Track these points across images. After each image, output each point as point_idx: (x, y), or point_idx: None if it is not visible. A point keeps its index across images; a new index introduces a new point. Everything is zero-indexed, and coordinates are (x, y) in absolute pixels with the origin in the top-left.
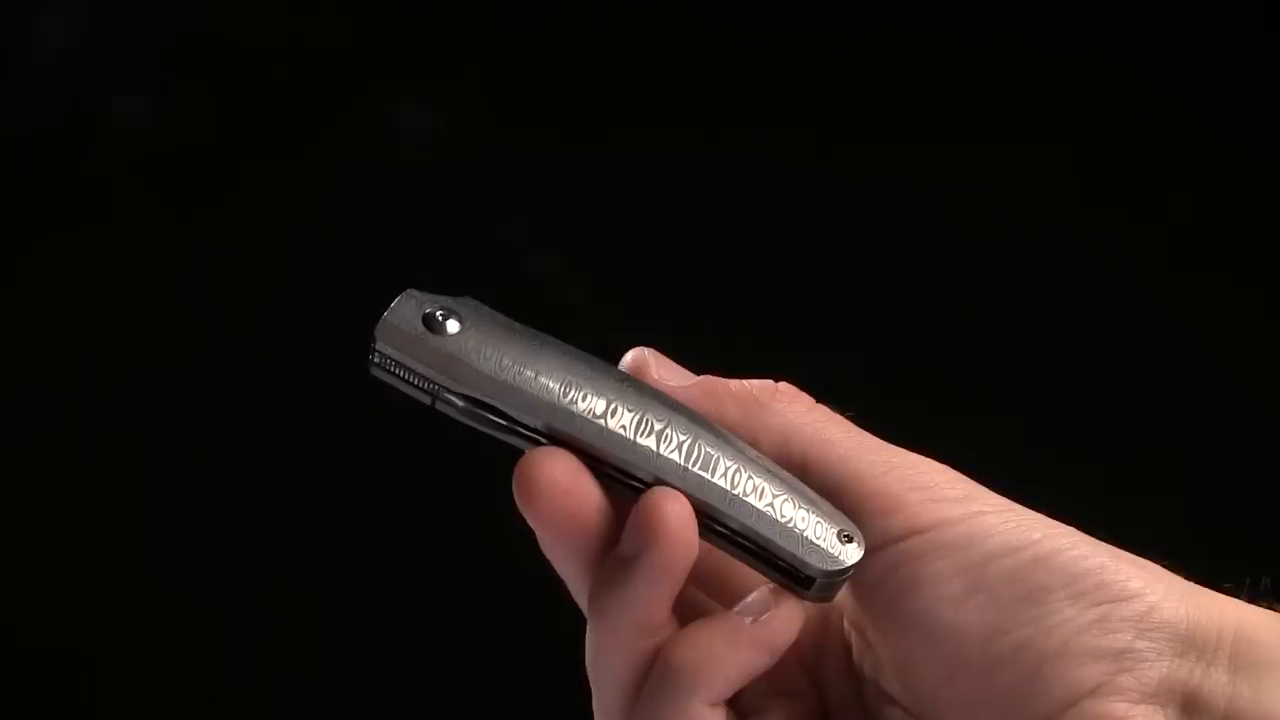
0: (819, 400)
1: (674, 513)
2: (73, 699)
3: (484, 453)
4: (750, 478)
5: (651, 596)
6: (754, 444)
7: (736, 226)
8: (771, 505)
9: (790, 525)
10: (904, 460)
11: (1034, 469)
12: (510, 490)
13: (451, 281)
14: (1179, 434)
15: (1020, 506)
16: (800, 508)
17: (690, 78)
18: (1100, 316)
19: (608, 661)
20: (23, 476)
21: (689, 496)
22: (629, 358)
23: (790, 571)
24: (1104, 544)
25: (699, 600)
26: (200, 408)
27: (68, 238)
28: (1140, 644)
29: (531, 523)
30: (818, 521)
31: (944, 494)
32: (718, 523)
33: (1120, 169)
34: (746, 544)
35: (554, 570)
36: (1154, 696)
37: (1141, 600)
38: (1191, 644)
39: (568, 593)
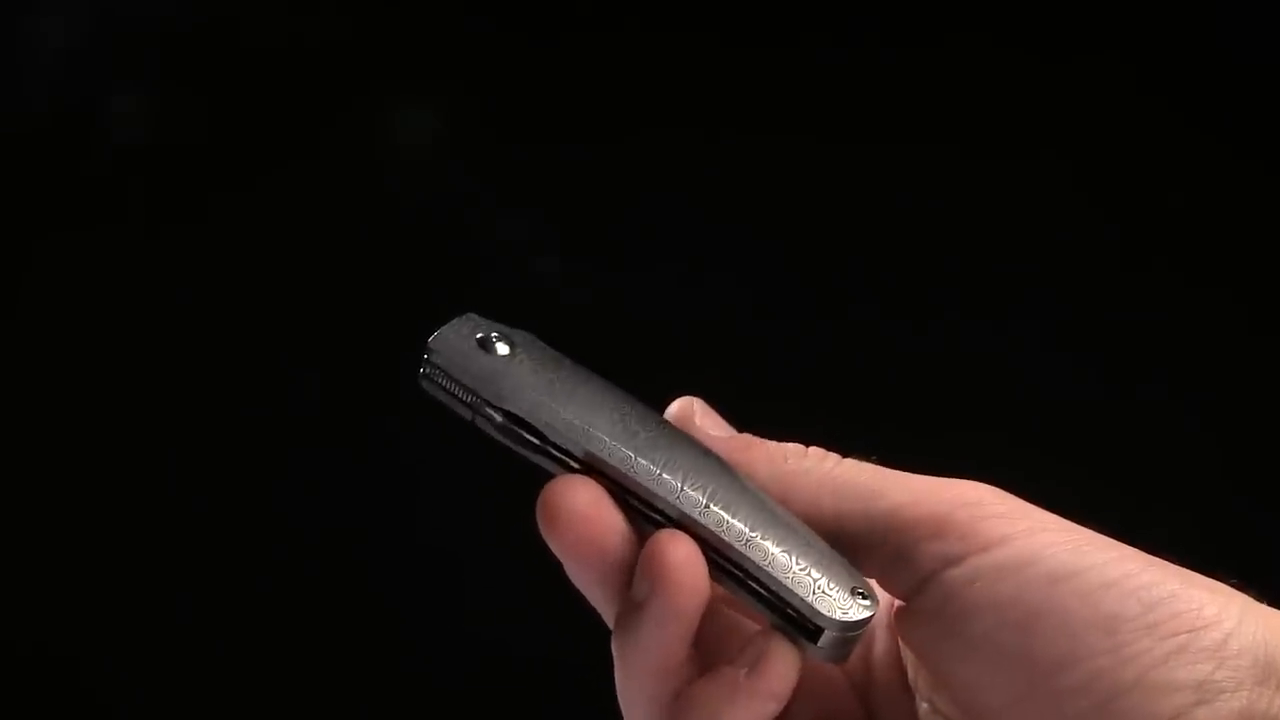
0: (842, 432)
1: (679, 555)
2: (87, 710)
3: (502, 460)
4: (771, 524)
5: (664, 639)
6: (784, 503)
7: (738, 228)
8: (788, 552)
9: (804, 572)
10: (943, 483)
11: (1035, 475)
12: (528, 496)
13: (451, 281)
14: (1182, 439)
15: (1070, 522)
16: (817, 558)
17: (691, 79)
18: (1098, 321)
19: (632, 703)
20: (25, 479)
21: (706, 532)
22: (675, 406)
23: (800, 621)
24: (1170, 565)
25: (741, 625)
26: (200, 408)
27: (66, 238)
28: (1220, 674)
29: (554, 550)
30: (833, 573)
31: (994, 510)
32: (732, 564)
33: (1117, 172)
34: (759, 588)
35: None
36: None
37: (1217, 628)
38: (1271, 671)
39: (587, 603)
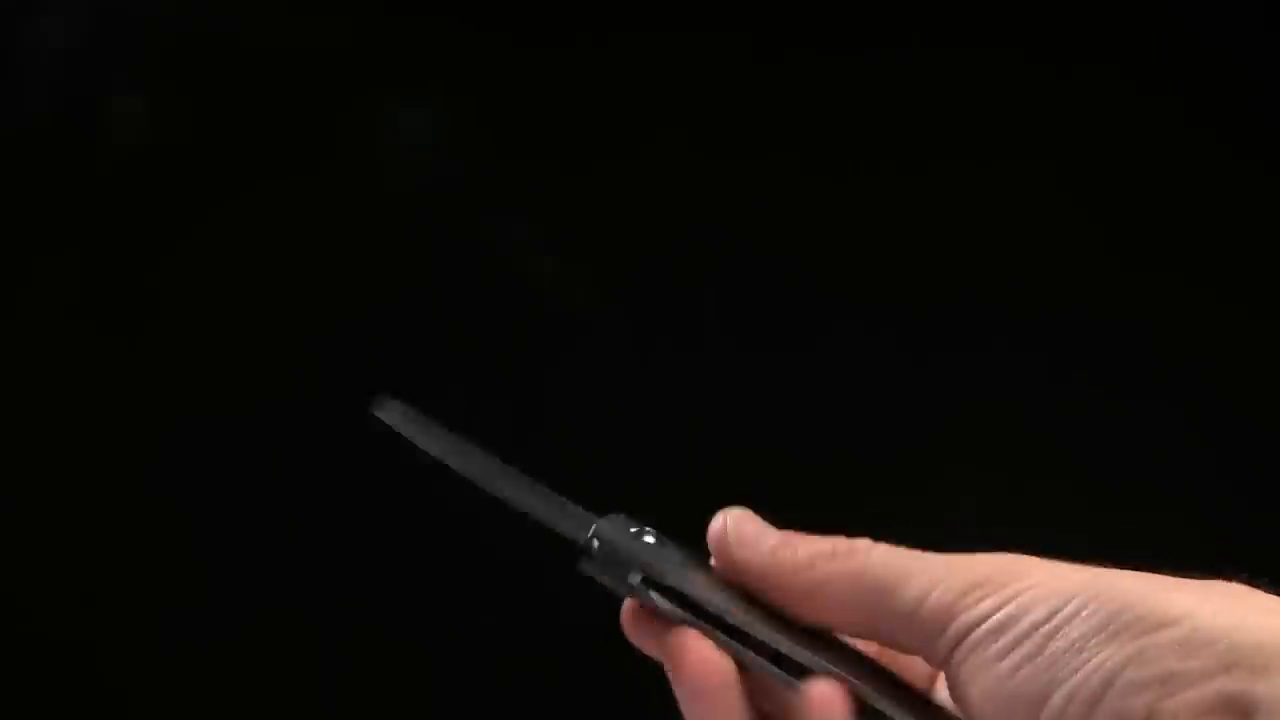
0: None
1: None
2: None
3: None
4: None
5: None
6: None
7: (737, 233)
8: None
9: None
10: (959, 562)
11: (1026, 480)
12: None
13: (451, 281)
14: (1176, 447)
15: (1063, 565)
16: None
17: (691, 83)
18: (1087, 326)
19: None
20: (24, 478)
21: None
22: (714, 524)
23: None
24: (1154, 576)
25: None
26: (199, 411)
27: (65, 239)
28: (1183, 666)
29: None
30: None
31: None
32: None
33: (1106, 177)
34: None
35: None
36: (1208, 714)
37: (1183, 624)
38: (1239, 655)
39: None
